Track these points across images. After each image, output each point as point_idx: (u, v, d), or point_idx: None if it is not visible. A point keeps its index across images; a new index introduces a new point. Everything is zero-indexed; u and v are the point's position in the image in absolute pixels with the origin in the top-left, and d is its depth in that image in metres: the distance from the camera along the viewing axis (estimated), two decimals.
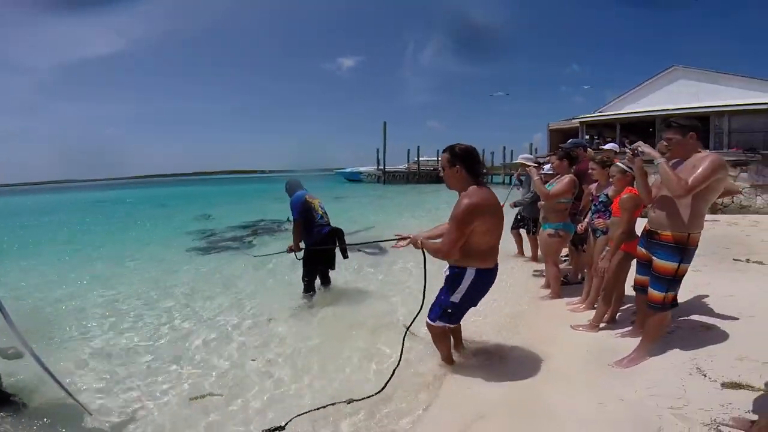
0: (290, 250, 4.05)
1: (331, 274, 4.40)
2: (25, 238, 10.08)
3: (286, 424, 2.17)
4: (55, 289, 5.28)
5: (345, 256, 4.22)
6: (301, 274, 4.18)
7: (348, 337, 3.32)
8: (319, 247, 4.03)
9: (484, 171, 2.37)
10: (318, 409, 2.29)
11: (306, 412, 2.26)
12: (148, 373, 2.96)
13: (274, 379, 2.78)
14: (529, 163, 5.25)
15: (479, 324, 3.32)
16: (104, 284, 5.44)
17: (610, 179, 3.09)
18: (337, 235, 4.16)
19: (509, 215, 5.45)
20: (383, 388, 2.42)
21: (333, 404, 2.32)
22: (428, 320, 2.52)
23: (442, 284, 2.47)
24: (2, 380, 2.40)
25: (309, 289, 4.18)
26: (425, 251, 2.46)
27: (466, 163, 2.28)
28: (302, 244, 4.05)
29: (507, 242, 5.63)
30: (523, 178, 5.53)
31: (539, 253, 4.79)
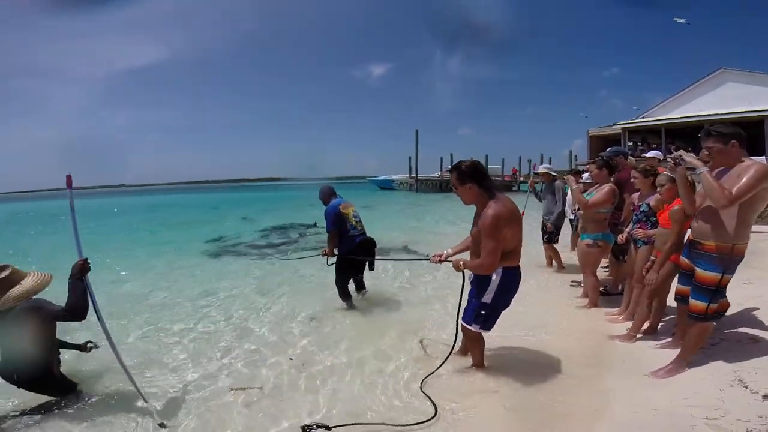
0: (324, 254, 4.24)
1: (369, 280, 4.52)
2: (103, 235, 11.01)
3: (334, 427, 2.20)
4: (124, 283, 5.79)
5: (371, 268, 4.33)
6: (334, 279, 4.31)
7: (380, 343, 3.34)
8: (350, 257, 4.14)
9: (490, 183, 2.46)
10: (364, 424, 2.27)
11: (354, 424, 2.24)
12: (195, 364, 3.19)
13: (308, 378, 2.87)
14: (552, 173, 5.40)
15: (515, 332, 3.36)
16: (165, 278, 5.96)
17: (657, 189, 3.04)
18: (369, 245, 4.27)
19: (528, 224, 5.47)
20: (435, 415, 2.29)
21: (384, 425, 2.24)
22: (464, 323, 2.60)
23: (470, 288, 2.58)
24: (67, 370, 2.67)
25: (344, 294, 4.29)
26: (465, 271, 2.58)
27: (475, 179, 2.40)
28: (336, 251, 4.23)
29: (537, 254, 5.66)
30: (537, 186, 5.58)
31: (568, 262, 4.78)
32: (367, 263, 4.28)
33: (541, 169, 5.48)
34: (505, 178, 31.13)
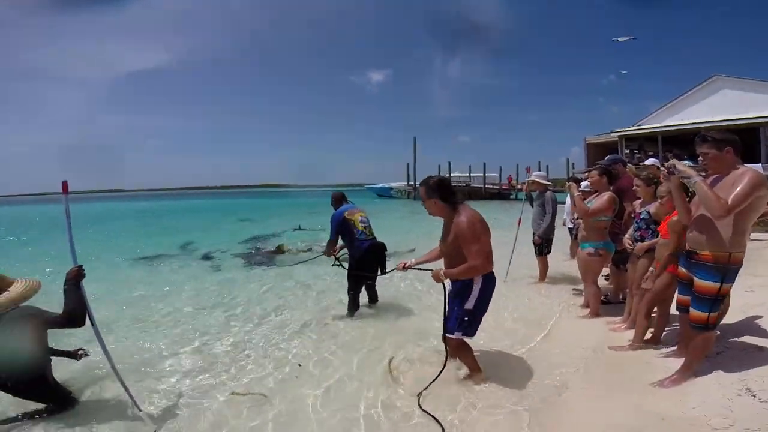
0: (326, 254, 4.35)
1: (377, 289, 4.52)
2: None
3: None
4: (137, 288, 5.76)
5: (382, 272, 4.26)
6: (347, 287, 4.27)
7: (386, 353, 3.27)
8: (359, 273, 4.15)
9: (456, 198, 2.60)
10: None
11: None
12: (195, 369, 3.17)
13: (314, 387, 2.84)
14: (542, 181, 5.23)
15: (514, 342, 3.36)
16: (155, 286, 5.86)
17: (659, 199, 3.04)
18: (378, 249, 4.23)
19: (524, 233, 5.37)
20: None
21: None
22: (446, 334, 2.63)
23: (448, 299, 2.64)
24: (59, 377, 2.61)
25: (353, 304, 4.24)
26: (446, 279, 2.61)
27: (440, 194, 2.57)
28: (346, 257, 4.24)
29: (535, 265, 5.57)
30: (533, 194, 5.40)
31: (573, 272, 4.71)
32: (379, 268, 4.24)
33: (533, 176, 5.31)
34: (503, 187, 31.25)
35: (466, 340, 2.65)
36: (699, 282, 2.35)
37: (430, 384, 2.64)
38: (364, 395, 2.67)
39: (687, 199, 2.52)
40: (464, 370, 2.78)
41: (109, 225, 16.61)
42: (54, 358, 2.71)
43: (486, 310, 2.64)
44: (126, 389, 2.43)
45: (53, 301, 2.46)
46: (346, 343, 3.60)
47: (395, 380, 2.85)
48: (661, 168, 2.59)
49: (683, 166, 2.36)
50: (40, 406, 2.47)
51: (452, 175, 31.84)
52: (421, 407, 2.46)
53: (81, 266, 2.40)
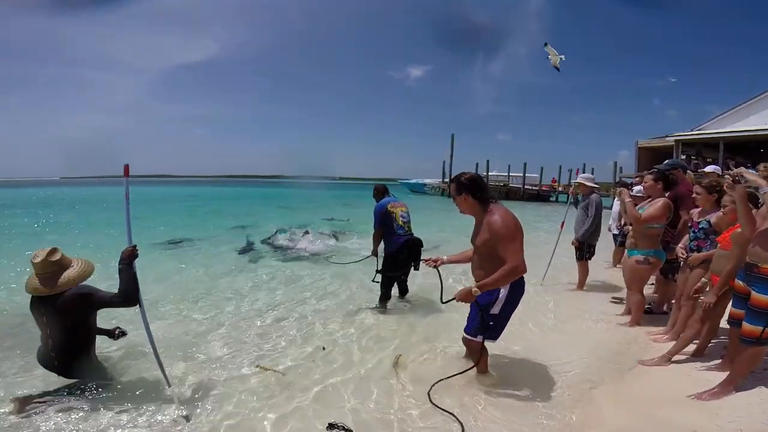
0: (373, 254, 4.38)
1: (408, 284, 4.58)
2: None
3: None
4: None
5: (416, 268, 4.31)
6: (380, 281, 4.35)
7: (403, 348, 3.29)
8: (393, 274, 4.24)
9: (489, 195, 2.47)
10: None
11: None
12: (225, 347, 3.35)
13: (332, 375, 2.90)
14: (589, 184, 5.03)
15: (549, 347, 3.32)
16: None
17: (722, 209, 2.89)
18: (414, 244, 4.28)
19: (566, 237, 5.18)
20: None
21: None
22: (466, 335, 2.55)
23: (472, 303, 2.49)
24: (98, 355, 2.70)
25: (385, 296, 4.34)
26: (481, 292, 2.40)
27: (471, 191, 2.44)
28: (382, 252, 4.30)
29: (570, 272, 5.46)
30: (579, 197, 5.17)
31: (619, 280, 4.53)
32: (413, 264, 4.30)
33: (579, 178, 5.14)
34: (543, 188, 30.26)
35: (487, 344, 2.59)
36: (756, 296, 2.28)
37: (440, 380, 2.61)
38: (376, 387, 2.70)
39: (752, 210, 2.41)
40: (472, 372, 2.73)
41: (160, 207, 17.55)
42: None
43: (511, 315, 2.53)
44: (161, 367, 2.48)
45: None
46: (370, 333, 3.69)
47: (399, 376, 2.85)
48: (726, 175, 2.46)
49: (752, 175, 2.27)
50: (77, 381, 2.51)
51: (490, 174, 31.22)
52: (433, 403, 2.44)
53: (135, 246, 2.43)
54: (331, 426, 2.22)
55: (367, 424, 2.32)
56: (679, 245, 3.39)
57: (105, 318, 3.08)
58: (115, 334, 2.90)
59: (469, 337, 2.55)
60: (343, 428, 2.21)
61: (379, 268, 4.31)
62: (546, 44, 13.49)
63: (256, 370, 2.93)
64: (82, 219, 13.28)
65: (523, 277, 2.46)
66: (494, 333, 2.50)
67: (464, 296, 2.40)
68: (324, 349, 3.30)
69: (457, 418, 2.29)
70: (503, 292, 2.41)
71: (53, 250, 2.43)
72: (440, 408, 2.40)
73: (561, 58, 13.16)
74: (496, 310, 2.44)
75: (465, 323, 2.61)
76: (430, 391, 2.54)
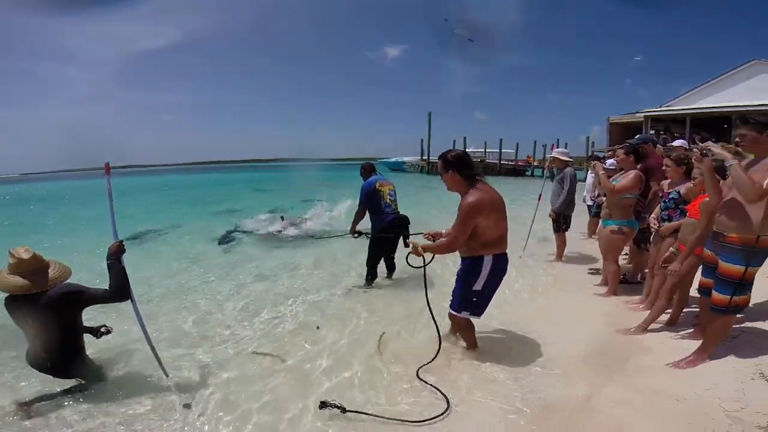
0: (351, 232, 4.40)
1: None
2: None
3: (349, 411, 2.18)
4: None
5: (406, 245, 4.34)
6: (366, 258, 4.36)
7: (394, 328, 3.30)
8: (383, 235, 4.20)
9: (476, 173, 2.51)
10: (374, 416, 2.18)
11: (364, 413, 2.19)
12: (219, 332, 3.36)
13: (324, 356, 2.91)
14: (563, 158, 5.18)
15: (526, 320, 3.35)
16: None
17: (692, 181, 2.97)
18: (401, 222, 4.27)
19: (544, 210, 5.30)
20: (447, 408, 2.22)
21: (400, 421, 2.14)
22: (452, 311, 2.61)
23: (456, 277, 2.59)
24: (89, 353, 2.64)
25: (371, 273, 4.34)
26: (426, 253, 2.58)
27: (457, 168, 2.48)
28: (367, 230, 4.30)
29: (547, 245, 5.57)
30: (555, 171, 5.34)
31: (596, 250, 4.66)
32: (402, 240, 4.25)
33: (554, 153, 5.31)
34: (519, 163, 30.75)
35: (473, 320, 2.64)
36: (723, 265, 2.34)
37: (431, 361, 2.62)
38: (362, 365, 2.74)
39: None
40: (460, 346, 2.83)
41: (140, 198, 16.86)
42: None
43: (495, 290, 2.59)
44: (158, 359, 2.50)
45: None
46: (356, 312, 3.69)
47: (382, 354, 2.87)
48: (694, 149, 2.52)
49: (718, 148, 2.32)
50: (72, 381, 2.49)
51: (467, 150, 31.39)
52: (421, 379, 2.48)
53: (122, 241, 2.44)
54: (323, 404, 2.22)
55: (355, 401, 2.33)
56: (651, 215, 3.49)
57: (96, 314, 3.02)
58: (99, 332, 2.76)
59: (454, 313, 2.60)
60: (335, 405, 2.20)
61: (355, 236, 4.35)
62: (447, 20, 14.03)
63: (251, 354, 2.94)
64: (52, 215, 12.52)
65: (506, 256, 2.53)
66: (478, 309, 2.56)
67: (414, 249, 2.60)
68: (318, 328, 3.34)
69: (444, 395, 2.31)
70: (486, 269, 2.45)
71: (27, 249, 2.32)
72: (429, 384, 2.43)
73: (466, 32, 13.99)
74: (478, 286, 2.48)
75: (450, 299, 2.65)
76: (418, 371, 2.55)
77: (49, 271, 2.32)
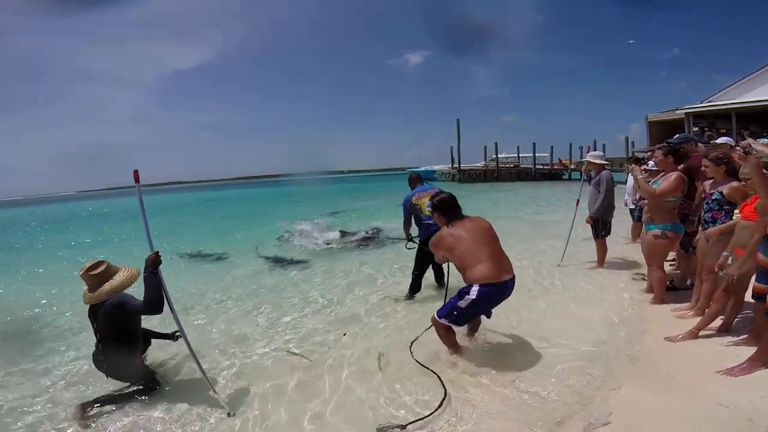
0: (407, 238, 4.52)
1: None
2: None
3: (408, 424, 2.22)
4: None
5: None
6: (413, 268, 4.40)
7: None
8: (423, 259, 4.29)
9: (456, 214, 2.87)
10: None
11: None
12: (258, 340, 3.56)
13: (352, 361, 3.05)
14: (597, 161, 4.99)
15: (571, 329, 3.32)
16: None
17: (743, 181, 2.83)
18: None
19: (582, 215, 5.22)
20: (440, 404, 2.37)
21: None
22: (435, 315, 2.84)
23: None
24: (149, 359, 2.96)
25: (414, 285, 4.36)
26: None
27: (440, 210, 2.92)
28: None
29: (588, 251, 5.44)
30: (592, 173, 5.10)
31: (639, 256, 4.51)
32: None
33: (588, 157, 5.11)
34: (554, 167, 29.96)
35: (454, 328, 2.87)
36: None
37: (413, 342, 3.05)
38: (378, 378, 2.79)
39: None
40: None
41: (178, 214, 17.99)
42: (153, 341, 3.09)
43: (480, 315, 2.86)
44: (203, 372, 2.60)
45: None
46: (389, 322, 3.77)
47: (383, 371, 2.89)
48: (737, 148, 2.43)
49: (760, 145, 2.24)
50: (128, 386, 2.72)
51: (500, 156, 30.96)
52: (416, 360, 2.83)
53: (157, 252, 2.51)
54: (381, 429, 2.22)
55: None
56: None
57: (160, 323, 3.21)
58: (174, 336, 3.03)
59: (437, 318, 2.84)
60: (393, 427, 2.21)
61: (410, 246, 4.45)
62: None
63: (286, 356, 3.19)
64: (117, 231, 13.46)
65: (492, 288, 2.65)
66: (458, 321, 2.80)
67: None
68: (345, 335, 3.48)
69: (439, 379, 2.56)
70: (473, 293, 2.64)
71: (97, 263, 2.59)
72: (426, 367, 2.74)
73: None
74: (463, 304, 2.69)
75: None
76: (411, 347, 3.00)
77: (107, 283, 2.55)
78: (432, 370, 2.70)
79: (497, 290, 2.67)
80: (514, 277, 2.74)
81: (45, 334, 4.06)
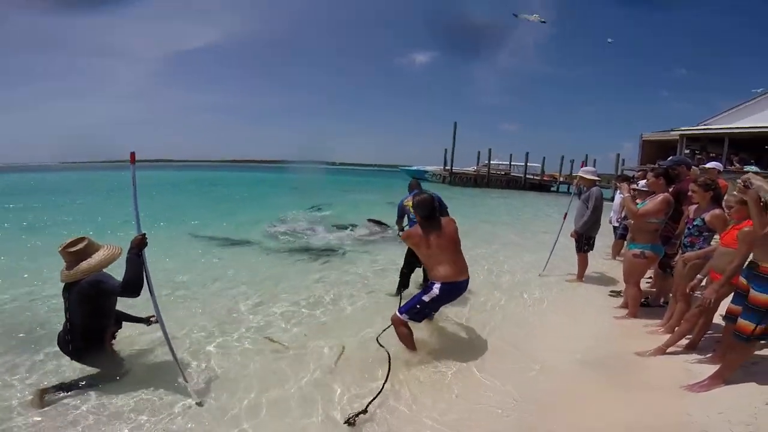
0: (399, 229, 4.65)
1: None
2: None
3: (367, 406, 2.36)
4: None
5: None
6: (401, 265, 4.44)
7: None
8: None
9: (430, 215, 3.02)
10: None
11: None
12: (230, 333, 3.48)
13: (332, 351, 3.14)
14: (589, 177, 5.04)
15: (546, 339, 3.40)
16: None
17: (726, 211, 2.91)
18: None
19: (568, 228, 5.30)
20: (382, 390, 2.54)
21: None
22: (396, 313, 3.03)
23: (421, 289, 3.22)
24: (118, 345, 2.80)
25: (402, 283, 4.42)
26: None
27: (416, 209, 3.07)
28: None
29: (570, 264, 5.51)
30: (583, 188, 5.18)
31: (621, 272, 4.60)
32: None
33: (580, 172, 5.17)
34: (544, 178, 30.19)
35: (411, 324, 3.05)
36: (754, 294, 2.36)
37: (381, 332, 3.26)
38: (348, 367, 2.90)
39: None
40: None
41: (173, 193, 17.61)
42: (125, 324, 2.88)
43: (437, 310, 3.20)
44: (175, 359, 2.53)
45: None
46: (373, 318, 3.75)
47: (335, 369, 2.93)
48: (737, 182, 2.52)
49: (760, 180, 2.32)
50: (93, 371, 2.58)
51: (491, 162, 31.10)
52: (379, 343, 3.14)
53: (144, 234, 2.42)
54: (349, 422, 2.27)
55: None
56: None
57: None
58: (148, 321, 2.90)
59: (397, 314, 3.02)
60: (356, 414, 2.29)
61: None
62: (516, 15, 14.37)
63: (265, 343, 3.26)
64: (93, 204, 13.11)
65: (452, 287, 2.94)
66: (417, 316, 3.03)
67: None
68: (305, 335, 3.45)
69: (388, 354, 2.86)
70: (435, 290, 2.91)
71: (77, 240, 2.49)
72: (381, 345, 3.08)
73: (536, 16, 14.29)
74: (426, 299, 2.94)
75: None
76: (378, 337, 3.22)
77: (84, 261, 2.44)
78: (386, 350, 2.98)
79: (455, 288, 2.99)
80: (468, 278, 3.04)
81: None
